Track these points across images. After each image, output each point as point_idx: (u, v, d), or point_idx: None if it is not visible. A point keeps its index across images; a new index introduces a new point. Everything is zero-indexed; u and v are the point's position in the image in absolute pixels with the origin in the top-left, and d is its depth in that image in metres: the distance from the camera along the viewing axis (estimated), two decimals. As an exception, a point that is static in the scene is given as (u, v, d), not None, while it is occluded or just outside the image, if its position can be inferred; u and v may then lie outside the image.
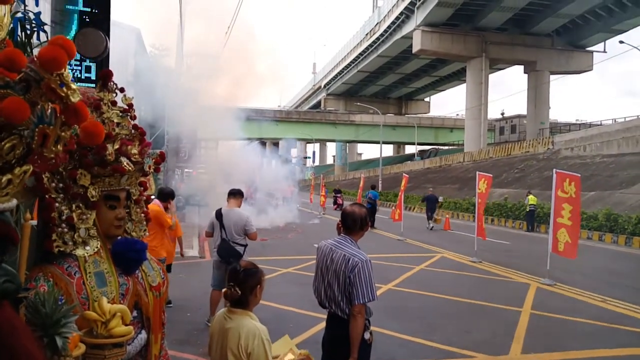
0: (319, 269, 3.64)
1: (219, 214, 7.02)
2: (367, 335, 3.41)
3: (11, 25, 1.49)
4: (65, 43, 1.26)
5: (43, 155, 1.24)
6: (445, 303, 8.85)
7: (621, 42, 38.26)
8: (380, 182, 49.00)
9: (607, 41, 50.88)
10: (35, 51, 1.47)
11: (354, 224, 3.56)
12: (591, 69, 52.63)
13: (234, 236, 6.90)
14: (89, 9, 4.03)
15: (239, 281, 2.69)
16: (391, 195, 38.67)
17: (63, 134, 1.29)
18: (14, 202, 1.26)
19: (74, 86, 1.30)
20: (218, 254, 6.98)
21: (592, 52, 52.34)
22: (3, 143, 1.19)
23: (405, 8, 49.60)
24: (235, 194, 7.24)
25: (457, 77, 67.72)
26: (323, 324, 3.83)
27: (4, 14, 1.32)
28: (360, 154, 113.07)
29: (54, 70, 1.24)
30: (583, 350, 6.48)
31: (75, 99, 1.28)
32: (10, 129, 1.20)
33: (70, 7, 4.08)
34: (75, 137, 1.79)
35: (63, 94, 1.25)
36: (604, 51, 51.97)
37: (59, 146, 1.28)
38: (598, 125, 42.11)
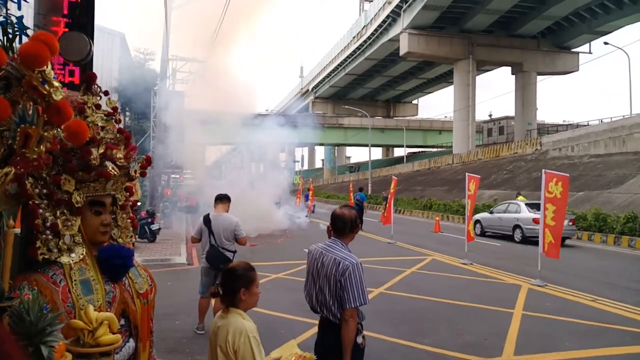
0: (309, 273, 3.59)
1: (207, 220, 6.94)
2: (359, 340, 3.37)
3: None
4: (47, 39, 1.21)
5: (25, 157, 1.19)
6: (437, 306, 8.84)
7: (606, 43, 38.80)
8: (369, 185, 49.10)
9: (592, 42, 51.38)
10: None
11: (344, 227, 3.51)
12: (577, 70, 53.13)
13: (223, 242, 6.83)
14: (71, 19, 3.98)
15: (223, 281, 2.75)
16: (381, 199, 38.72)
17: (46, 133, 1.24)
18: (-6, 205, 1.22)
19: (56, 84, 1.25)
20: (207, 260, 6.90)
21: (577, 53, 52.85)
22: None
23: (392, 11, 49.86)
24: (223, 199, 7.16)
25: (445, 79, 68.06)
26: (314, 330, 3.80)
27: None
28: (349, 158, 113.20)
29: (36, 67, 1.20)
30: (575, 351, 6.48)
31: (57, 96, 1.23)
32: None
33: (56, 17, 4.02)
34: (60, 141, 1.75)
35: (45, 92, 1.20)
36: (589, 52, 52.47)
37: (41, 147, 1.24)
38: (585, 125, 42.47)
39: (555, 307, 8.67)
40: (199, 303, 6.92)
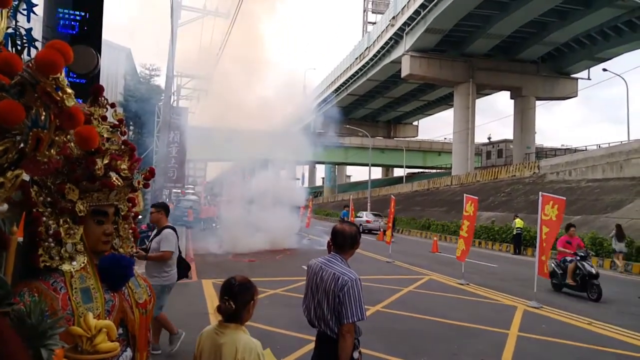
0: (309, 287, 3.60)
1: (176, 232, 6.75)
2: (356, 355, 3.37)
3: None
4: (62, 47, 1.25)
5: (36, 160, 1.22)
6: (433, 325, 8.81)
7: (604, 69, 39.09)
8: (369, 204, 49.15)
9: (591, 68, 51.79)
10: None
11: (344, 242, 3.53)
12: (576, 95, 53.51)
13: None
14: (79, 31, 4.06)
15: (233, 295, 2.66)
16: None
17: (57, 138, 1.28)
18: (5, 206, 1.25)
19: (69, 90, 1.29)
20: (180, 274, 6.84)
21: (576, 78, 53.24)
22: None
23: (395, 34, 50.34)
24: (169, 209, 6.98)
25: (445, 101, 68.45)
26: (310, 346, 3.80)
27: (1, 19, 1.31)
28: (349, 176, 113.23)
29: (51, 74, 1.23)
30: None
31: (70, 103, 1.27)
32: (4, 133, 1.19)
33: (65, 30, 4.09)
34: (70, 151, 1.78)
35: (58, 98, 1.24)
36: (588, 78, 52.87)
37: (52, 151, 1.27)
38: (583, 150, 42.63)
39: (551, 330, 8.65)
40: (161, 319, 6.68)
